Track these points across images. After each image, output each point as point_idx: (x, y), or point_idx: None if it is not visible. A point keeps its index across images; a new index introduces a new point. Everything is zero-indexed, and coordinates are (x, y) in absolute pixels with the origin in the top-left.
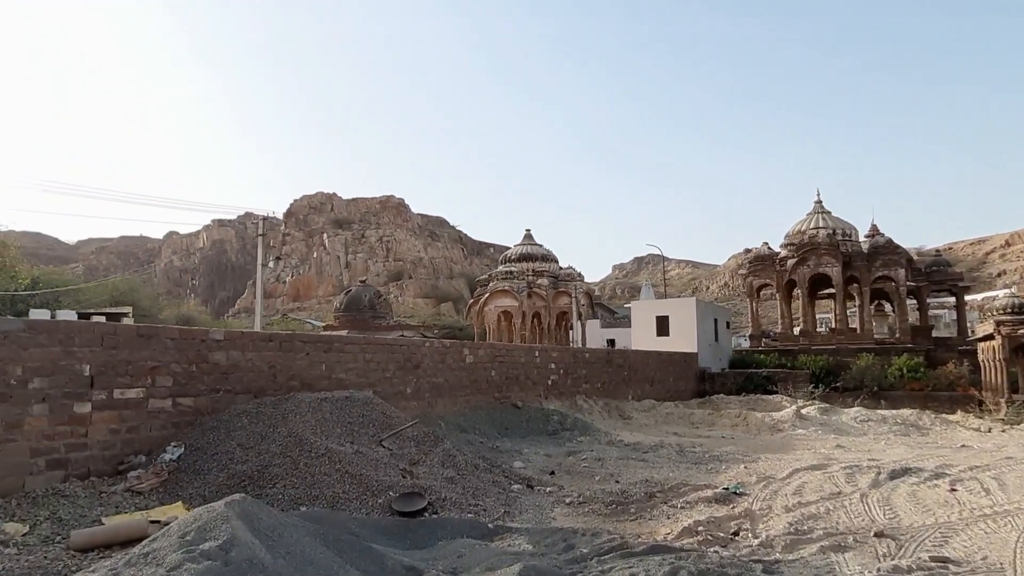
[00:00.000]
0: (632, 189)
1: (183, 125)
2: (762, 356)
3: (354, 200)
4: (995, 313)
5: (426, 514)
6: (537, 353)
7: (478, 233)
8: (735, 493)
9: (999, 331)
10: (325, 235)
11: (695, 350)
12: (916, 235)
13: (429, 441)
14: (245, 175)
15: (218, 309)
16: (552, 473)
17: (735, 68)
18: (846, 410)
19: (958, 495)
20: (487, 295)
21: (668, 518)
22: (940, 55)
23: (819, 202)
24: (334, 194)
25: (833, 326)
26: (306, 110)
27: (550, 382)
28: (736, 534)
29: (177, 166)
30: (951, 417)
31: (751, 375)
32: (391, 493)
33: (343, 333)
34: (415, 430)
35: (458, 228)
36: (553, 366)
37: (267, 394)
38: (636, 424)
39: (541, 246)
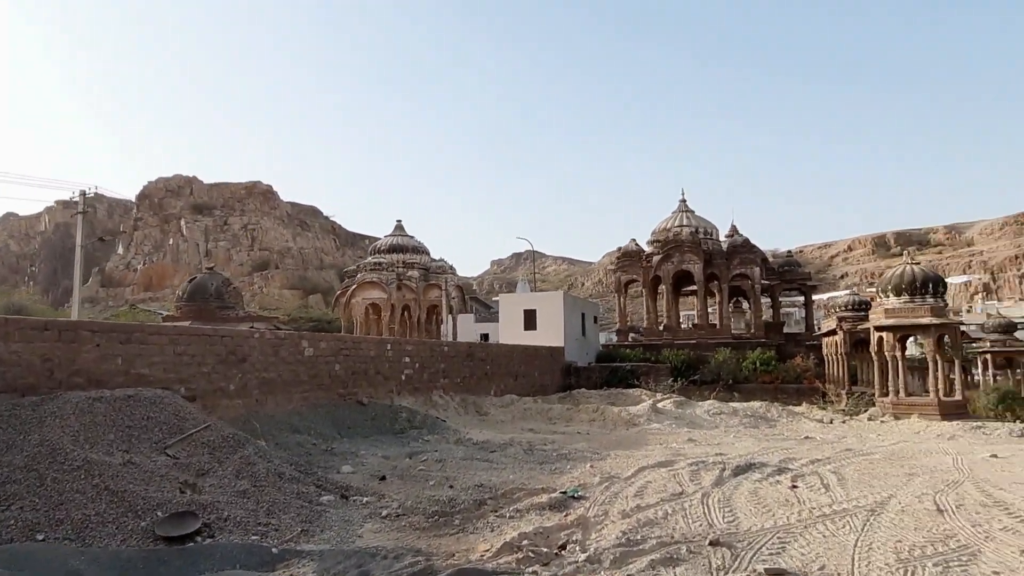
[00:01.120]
0: (513, 186)
1: (25, 98)
2: (628, 351)
3: (216, 185)
4: (838, 310)
5: (198, 538)
6: (389, 346)
7: (353, 224)
8: (573, 497)
9: (841, 327)
10: (183, 221)
11: (562, 344)
12: (771, 238)
13: (227, 447)
14: (95, 154)
15: (60, 298)
16: (383, 478)
17: (609, 71)
18: (700, 403)
19: (799, 492)
20: (354, 287)
21: (493, 530)
22: (803, 60)
23: (683, 201)
24: (194, 177)
25: (696, 321)
26: (166, 88)
27: (404, 377)
28: (563, 547)
29: (18, 142)
30: (797, 409)
31: (616, 369)
32: (159, 513)
33: (185, 324)
34: (212, 433)
35: (331, 218)
36: (408, 360)
37: (39, 393)
38: (492, 421)
39: (412, 237)
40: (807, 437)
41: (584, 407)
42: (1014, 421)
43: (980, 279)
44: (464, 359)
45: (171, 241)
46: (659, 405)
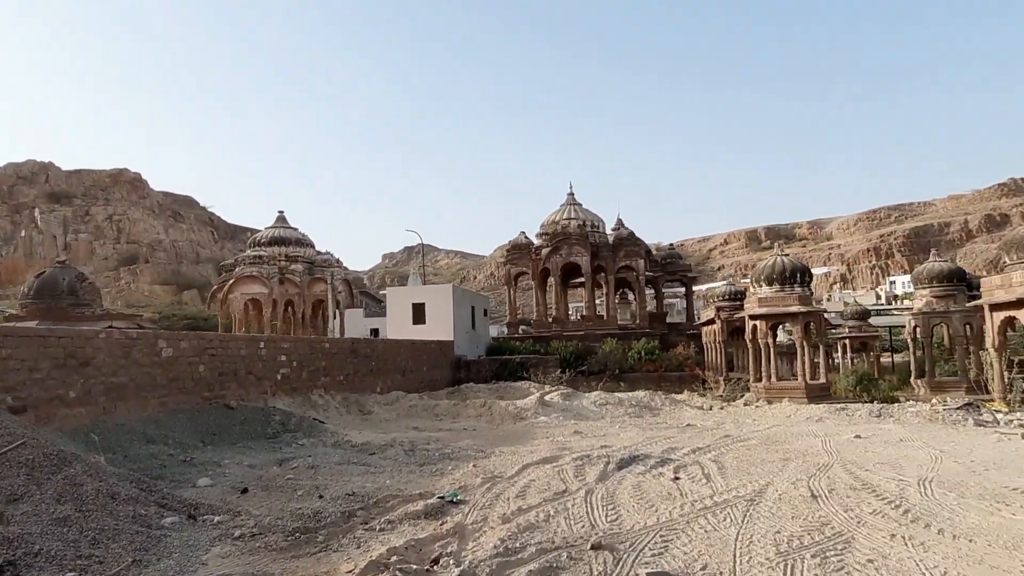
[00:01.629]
0: (404, 179)
1: None
2: (518, 343)
3: (77, 172)
4: (715, 300)
5: None
6: (263, 344)
7: (234, 216)
8: (452, 502)
9: (719, 316)
10: (37, 211)
11: (451, 338)
12: (654, 231)
13: (49, 466)
14: None
15: None
16: (244, 491)
17: (499, 67)
18: (587, 394)
19: (681, 484)
20: (232, 281)
21: (359, 547)
22: (685, 63)
23: (571, 194)
24: (50, 163)
25: (584, 313)
26: (15, 65)
27: (280, 377)
28: (436, 562)
29: None
30: (679, 396)
31: (506, 362)
32: None
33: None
34: (30, 451)
35: (209, 209)
36: (284, 359)
37: None
38: (376, 420)
39: (296, 229)
40: (688, 425)
41: (472, 402)
42: (871, 401)
43: (838, 270)
44: (347, 356)
45: (23, 233)
46: (546, 398)
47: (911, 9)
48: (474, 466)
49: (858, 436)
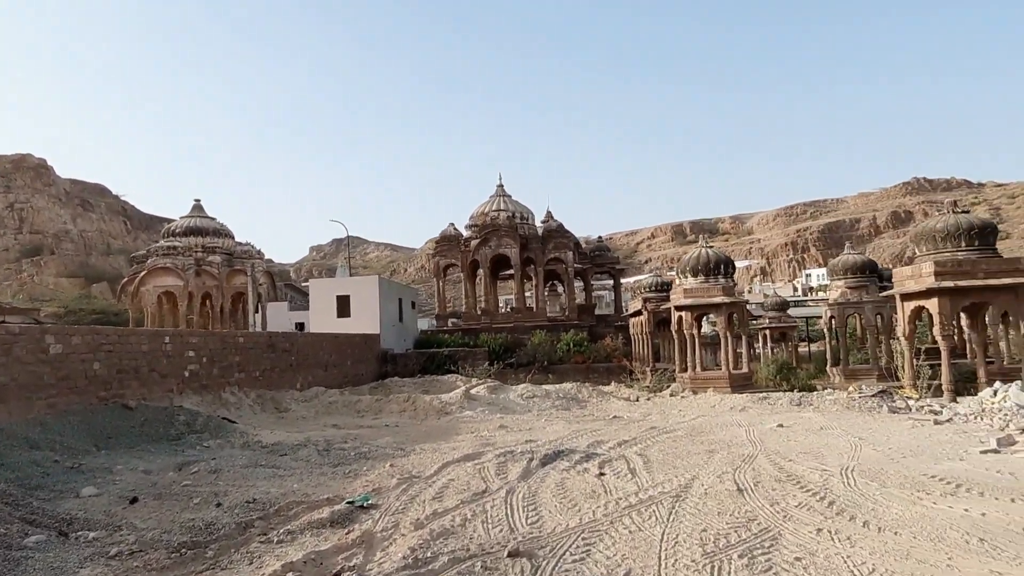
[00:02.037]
0: (333, 171)
1: None
2: (447, 336)
3: None
4: (643, 292)
5: None
6: (168, 339)
7: (149, 205)
8: (362, 507)
9: (646, 307)
10: None
11: (377, 331)
12: (583, 224)
13: None
14: None
15: None
16: (134, 501)
17: (429, 59)
18: (514, 387)
19: (606, 481)
20: (144, 273)
21: (252, 562)
22: (614, 59)
23: (501, 186)
24: None
25: (514, 305)
26: None
27: (187, 374)
28: None
29: None
30: (606, 388)
31: (433, 355)
32: None
33: None
34: None
35: (122, 198)
36: (192, 354)
37: None
38: (292, 418)
39: (214, 219)
40: (615, 416)
41: (395, 397)
42: (790, 390)
43: (758, 263)
44: (264, 351)
45: None
46: (473, 391)
47: (826, 11)
48: (391, 466)
49: (781, 425)
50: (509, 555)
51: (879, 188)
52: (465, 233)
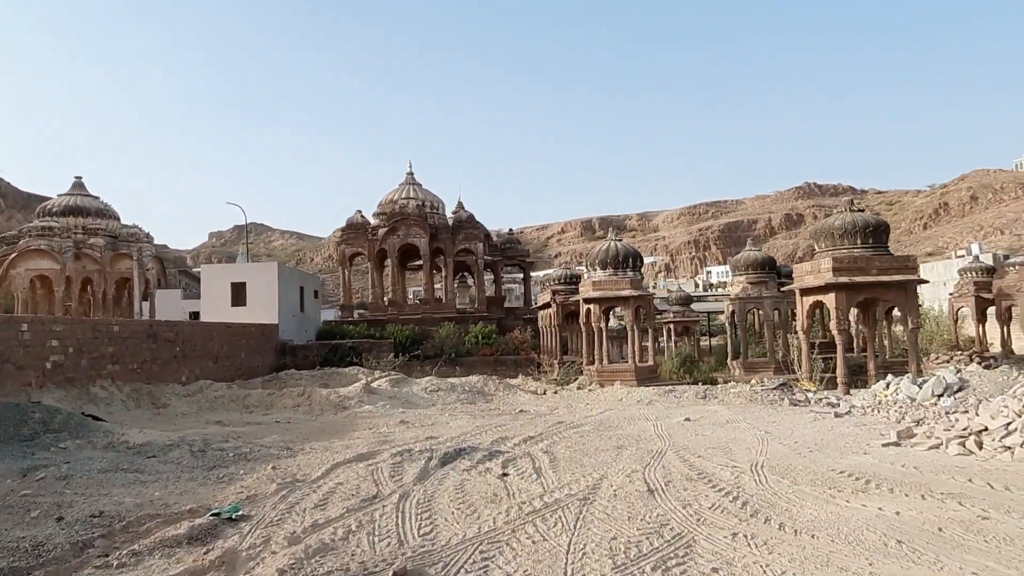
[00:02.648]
0: (236, 154)
1: None
2: (351, 327)
3: None
4: (552, 284)
5: None
6: (26, 326)
7: (29, 183)
8: (231, 518)
9: (554, 300)
10: None
11: (276, 321)
12: (495, 218)
13: None
14: None
15: None
16: None
17: (336, 44)
18: (418, 380)
19: (509, 482)
20: (15, 255)
21: None
22: (527, 60)
23: (411, 174)
24: None
25: (422, 296)
26: None
27: (50, 365)
28: None
29: None
30: (513, 381)
31: (336, 347)
32: None
33: None
34: None
35: None
36: (56, 344)
37: None
38: (171, 414)
39: (97, 198)
40: (522, 411)
41: (290, 390)
42: (694, 383)
43: (663, 260)
44: (144, 340)
45: None
46: (374, 384)
47: (729, 26)
48: (273, 468)
49: (688, 419)
50: (395, 575)
51: (774, 191)
52: (373, 221)
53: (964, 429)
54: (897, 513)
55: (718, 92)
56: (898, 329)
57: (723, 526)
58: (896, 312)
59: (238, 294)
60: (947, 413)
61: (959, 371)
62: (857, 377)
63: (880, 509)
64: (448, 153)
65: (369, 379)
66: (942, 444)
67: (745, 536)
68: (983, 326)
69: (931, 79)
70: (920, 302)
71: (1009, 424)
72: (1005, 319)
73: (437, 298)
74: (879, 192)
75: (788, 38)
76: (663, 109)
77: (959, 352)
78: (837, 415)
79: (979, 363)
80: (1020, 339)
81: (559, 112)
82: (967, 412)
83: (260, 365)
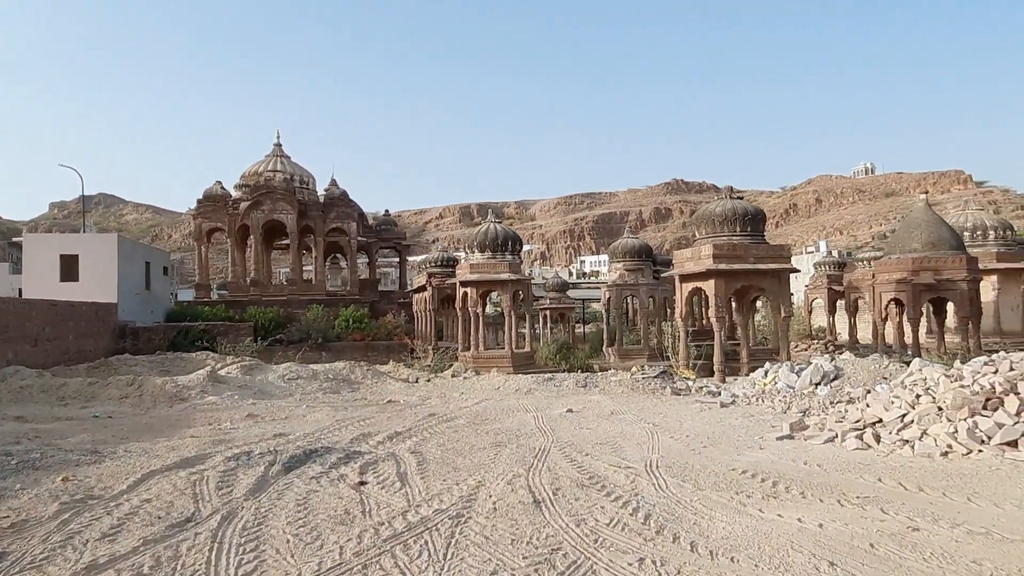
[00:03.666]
0: (81, 119)
1: None
2: (207, 308)
3: None
4: (428, 266)
5: None
6: None
7: None
8: None
9: (430, 283)
10: None
11: (114, 300)
12: (371, 201)
13: None
14: None
15: None
16: None
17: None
18: (275, 367)
19: (367, 493)
20: None
21: None
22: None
23: (279, 145)
24: None
25: (290, 277)
26: None
27: None
28: None
29: None
30: (384, 368)
31: (187, 329)
32: None
33: None
34: None
35: None
36: None
37: None
38: None
39: None
40: (390, 401)
41: (118, 379)
42: (571, 370)
43: (539, 248)
44: None
45: None
46: (222, 372)
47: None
48: (65, 480)
49: (570, 410)
50: None
51: (645, 186)
52: (235, 194)
53: (858, 421)
54: (820, 526)
55: (596, 86)
56: (759, 317)
57: (627, 548)
58: (759, 302)
59: (69, 268)
60: (833, 403)
61: (833, 359)
62: (728, 364)
63: (800, 521)
64: (322, 130)
65: (217, 365)
66: (837, 437)
67: (654, 562)
68: (833, 317)
69: (785, 89)
70: None
71: (904, 416)
72: (853, 310)
73: (306, 280)
74: (738, 191)
75: (658, 39)
76: (541, 100)
77: (813, 341)
78: (723, 405)
79: (833, 351)
80: (865, 329)
81: (440, 97)
82: (855, 403)
83: (93, 349)
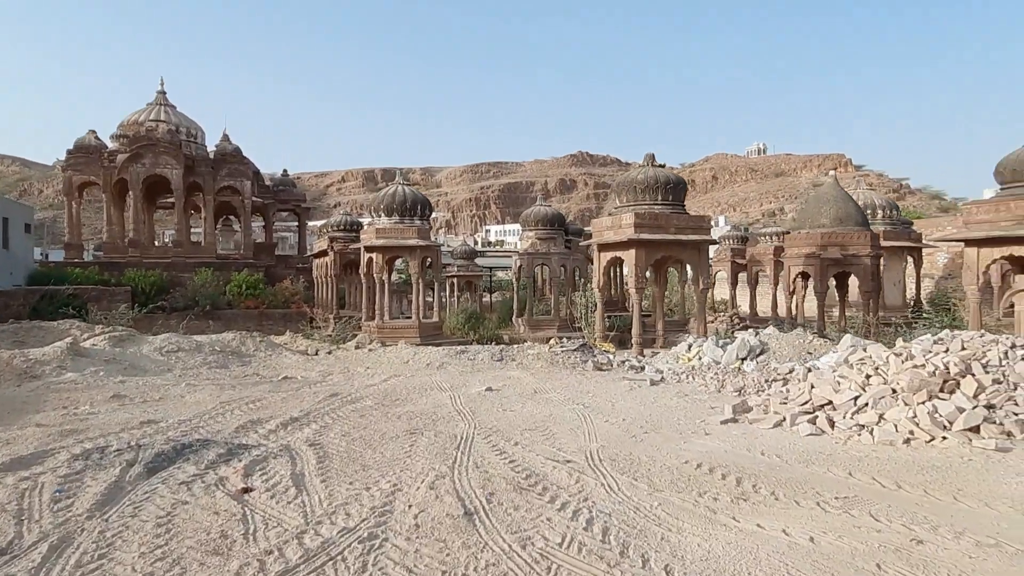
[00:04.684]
0: None
1: None
2: (78, 271)
3: None
4: (330, 230)
5: None
6: None
7: None
8: None
9: (332, 247)
10: None
11: None
12: (268, 162)
13: None
14: None
15: None
16: None
17: None
18: (152, 338)
19: (252, 504)
20: None
21: None
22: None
23: (163, 93)
24: None
25: (176, 238)
26: None
27: None
28: None
29: None
30: (280, 338)
31: (52, 294)
32: None
33: None
34: None
35: None
36: None
37: None
38: None
39: None
40: (286, 377)
41: None
42: (480, 340)
43: (444, 216)
44: None
45: None
46: (87, 343)
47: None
48: None
49: (489, 388)
50: None
51: (551, 157)
52: (111, 145)
53: (806, 403)
54: (812, 540)
55: (503, 60)
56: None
57: None
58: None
59: None
60: (768, 381)
61: (757, 333)
62: (643, 337)
63: (786, 534)
64: (214, 83)
65: (83, 336)
66: (786, 421)
67: None
68: (735, 289)
69: (687, 69)
70: None
71: (857, 398)
72: (754, 283)
73: (195, 242)
74: (642, 166)
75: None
76: (451, 70)
77: (718, 314)
78: (653, 383)
79: (738, 323)
80: (764, 302)
81: (344, 57)
82: (794, 382)
83: None
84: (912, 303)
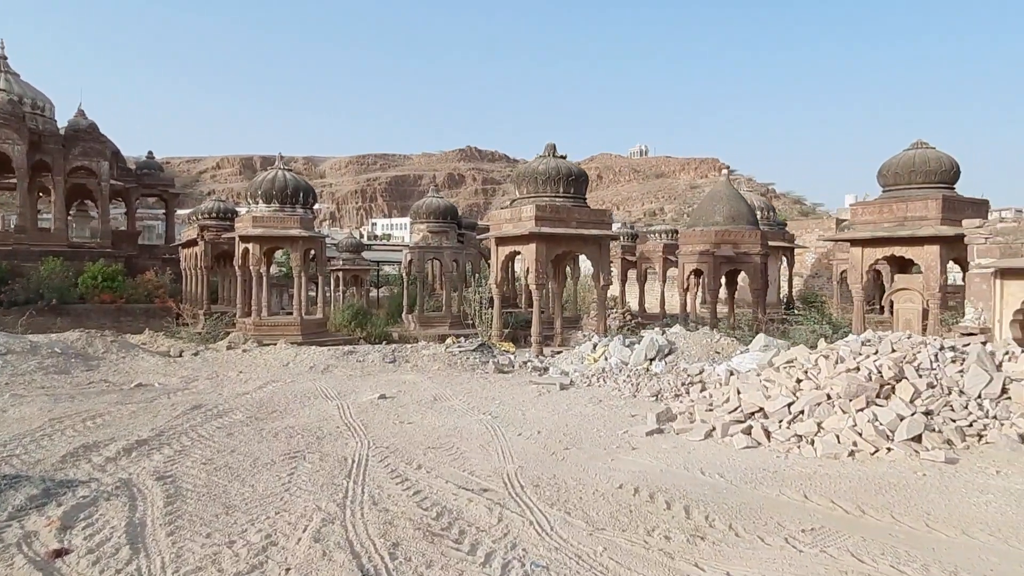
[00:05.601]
0: None
1: None
2: None
3: None
4: (201, 217)
5: None
6: None
7: None
8: None
9: (203, 236)
10: None
11: None
12: (134, 143)
13: None
14: None
15: None
16: None
17: None
18: None
19: (64, 573)
20: None
21: None
22: None
23: (4, 58)
24: None
25: (18, 223)
26: None
27: None
28: None
29: None
30: (136, 338)
31: None
32: None
33: None
34: None
35: None
36: None
37: None
38: None
39: None
40: (140, 385)
41: None
42: (368, 338)
43: (328, 208)
44: None
45: None
46: None
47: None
48: None
49: (383, 396)
50: None
51: (439, 151)
52: None
53: (734, 410)
54: None
55: (391, 46)
56: (553, 284)
57: None
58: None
59: None
60: (685, 385)
61: (664, 332)
62: (542, 335)
63: None
64: (69, 54)
65: None
66: (716, 431)
67: None
68: (624, 286)
69: (573, 69)
70: None
71: (791, 405)
72: (643, 280)
73: (43, 228)
74: (526, 161)
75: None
76: (334, 57)
77: (609, 311)
78: (563, 387)
79: (630, 320)
80: (650, 298)
81: (224, 40)
82: (714, 387)
83: None
84: (785, 300)
